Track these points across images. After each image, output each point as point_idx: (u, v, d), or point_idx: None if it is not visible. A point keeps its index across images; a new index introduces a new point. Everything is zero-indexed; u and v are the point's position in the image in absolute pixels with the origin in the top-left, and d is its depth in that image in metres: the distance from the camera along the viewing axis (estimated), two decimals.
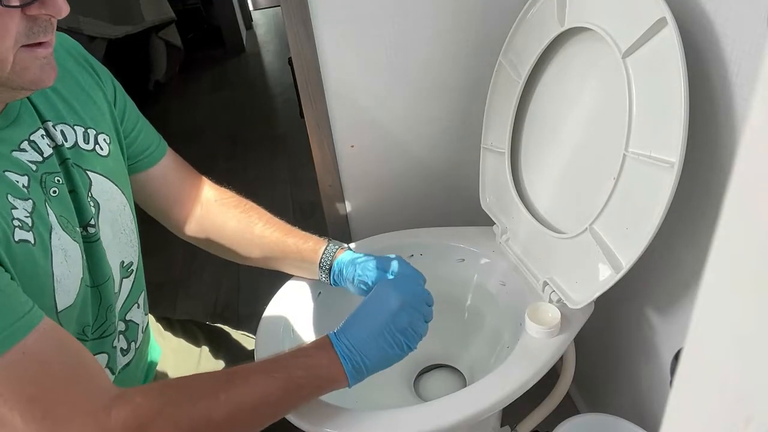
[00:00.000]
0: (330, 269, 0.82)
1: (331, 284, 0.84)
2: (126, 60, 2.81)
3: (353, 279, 0.79)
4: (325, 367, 0.63)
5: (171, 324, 0.92)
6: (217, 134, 2.84)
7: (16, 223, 0.54)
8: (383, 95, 1.02)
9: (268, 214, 0.85)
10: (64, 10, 0.51)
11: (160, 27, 3.00)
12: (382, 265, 0.77)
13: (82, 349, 0.55)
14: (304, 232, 0.85)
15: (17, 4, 0.49)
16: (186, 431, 0.55)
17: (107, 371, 0.69)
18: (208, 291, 1.84)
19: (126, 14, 2.70)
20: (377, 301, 0.68)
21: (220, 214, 0.83)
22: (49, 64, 0.54)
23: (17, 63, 0.51)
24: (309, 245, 0.83)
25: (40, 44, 0.52)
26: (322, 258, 0.82)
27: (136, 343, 0.75)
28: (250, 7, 4.45)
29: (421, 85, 1.02)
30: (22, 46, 0.51)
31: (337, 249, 0.83)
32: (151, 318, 0.86)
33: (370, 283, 0.77)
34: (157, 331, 0.88)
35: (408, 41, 0.97)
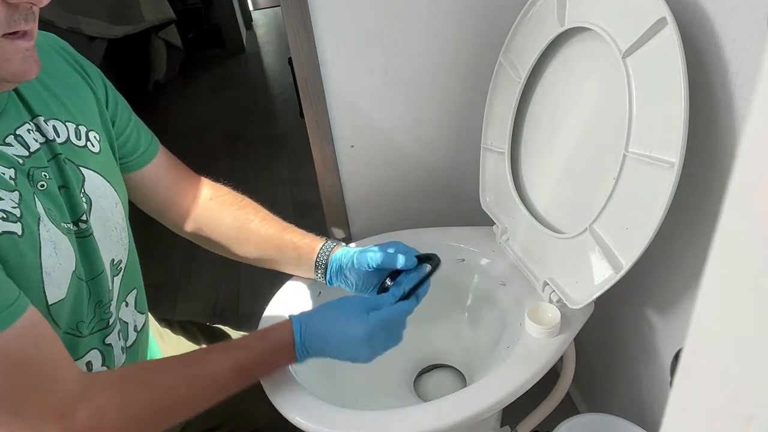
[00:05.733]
0: (326, 266, 0.82)
1: (326, 283, 0.84)
2: (126, 60, 2.81)
3: (352, 265, 0.79)
4: (284, 363, 0.71)
5: (171, 325, 0.92)
6: (217, 134, 2.84)
7: (0, 214, 0.53)
8: (383, 95, 1.01)
9: (265, 211, 0.85)
10: None
11: (160, 27, 3.00)
12: (385, 248, 0.77)
13: (56, 343, 0.56)
14: (300, 230, 0.84)
15: None
16: (147, 424, 0.60)
17: (104, 369, 0.69)
18: (208, 292, 1.84)
19: (126, 14, 2.70)
20: (344, 326, 0.68)
21: (216, 212, 0.83)
22: (32, 56, 0.54)
23: None
24: (306, 241, 0.83)
25: (22, 36, 0.52)
26: (318, 254, 0.82)
27: (127, 342, 0.75)
28: (250, 7, 4.45)
29: (421, 85, 1.02)
30: (3, 35, 0.50)
31: (334, 245, 0.83)
32: (150, 318, 0.86)
33: (374, 265, 0.77)
34: (156, 331, 0.88)
35: (408, 41, 0.97)
